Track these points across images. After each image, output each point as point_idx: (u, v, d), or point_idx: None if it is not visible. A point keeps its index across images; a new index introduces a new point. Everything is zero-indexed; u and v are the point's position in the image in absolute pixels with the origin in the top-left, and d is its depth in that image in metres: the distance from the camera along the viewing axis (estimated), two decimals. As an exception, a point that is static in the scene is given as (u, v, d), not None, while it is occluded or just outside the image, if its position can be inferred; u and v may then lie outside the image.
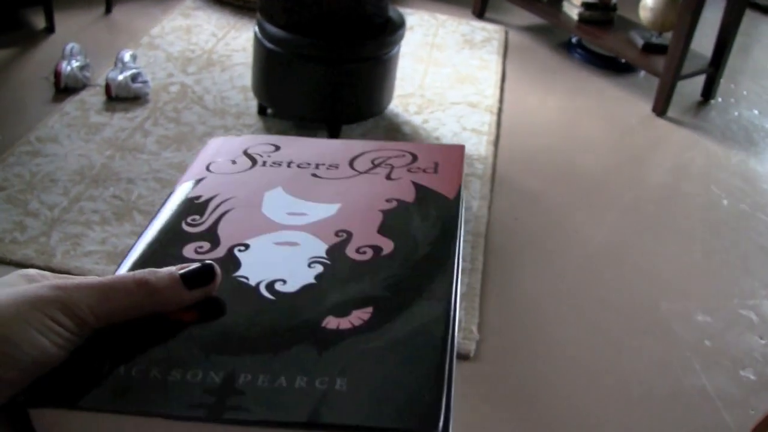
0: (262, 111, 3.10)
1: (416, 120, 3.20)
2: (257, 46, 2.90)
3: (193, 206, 0.64)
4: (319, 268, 0.55)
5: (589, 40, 3.96)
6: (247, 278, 0.55)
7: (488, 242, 2.57)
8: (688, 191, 3.05)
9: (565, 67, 3.95)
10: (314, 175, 0.69)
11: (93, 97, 3.13)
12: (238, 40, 3.72)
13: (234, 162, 0.72)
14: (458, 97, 3.44)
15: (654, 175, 3.16)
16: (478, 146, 3.07)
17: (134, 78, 3.13)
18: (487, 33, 4.17)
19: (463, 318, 2.22)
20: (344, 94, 2.89)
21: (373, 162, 0.72)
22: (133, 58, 3.29)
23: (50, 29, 3.65)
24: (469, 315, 2.23)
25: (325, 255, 0.57)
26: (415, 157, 0.73)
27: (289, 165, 0.71)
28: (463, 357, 2.12)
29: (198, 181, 0.68)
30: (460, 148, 0.76)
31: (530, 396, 2.06)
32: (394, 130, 3.10)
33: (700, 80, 3.75)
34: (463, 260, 2.44)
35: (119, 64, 3.22)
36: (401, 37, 2.95)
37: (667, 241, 2.72)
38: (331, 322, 0.50)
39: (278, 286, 0.54)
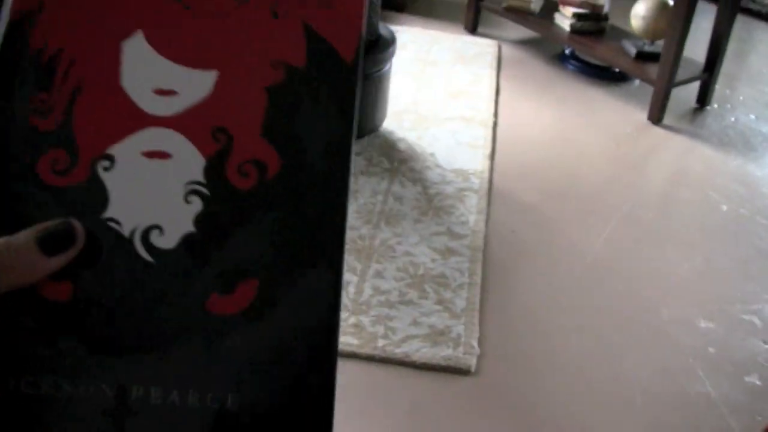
0: (256, 133, 3.09)
1: (411, 136, 3.20)
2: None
3: (37, 71, 0.49)
4: (198, 205, 0.47)
5: (582, 51, 3.95)
6: (119, 223, 0.46)
7: (486, 256, 2.55)
8: (686, 198, 3.03)
9: (560, 79, 3.94)
10: (186, 4, 0.52)
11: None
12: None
13: None
14: (453, 113, 3.44)
15: (652, 182, 3.15)
16: (473, 161, 3.06)
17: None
18: (479, 48, 4.17)
19: (463, 333, 2.20)
20: (337, 113, 2.88)
21: None
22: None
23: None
24: (468, 330, 2.22)
25: (203, 178, 0.47)
26: None
27: None
28: (464, 372, 2.10)
29: (30, 15, 0.50)
30: None
31: (532, 409, 2.04)
32: (390, 147, 3.09)
33: (695, 87, 3.75)
34: (461, 274, 2.42)
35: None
36: (392, 54, 2.95)
37: (667, 249, 2.70)
38: (217, 303, 0.45)
39: (154, 239, 0.46)
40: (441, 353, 2.13)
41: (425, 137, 3.21)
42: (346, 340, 2.14)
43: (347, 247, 2.41)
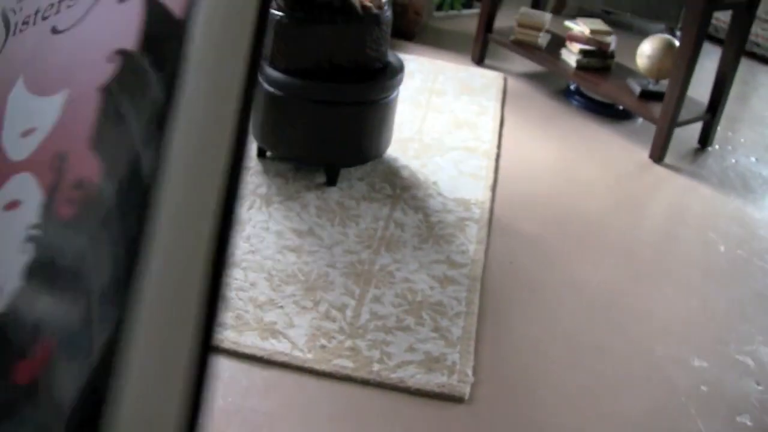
0: (261, 154, 3.11)
1: (414, 164, 3.22)
2: (257, 88, 2.93)
3: None
4: (30, 252, 0.44)
5: (587, 87, 3.99)
6: None
7: (484, 286, 2.57)
8: (685, 237, 3.05)
9: (563, 114, 3.97)
10: (54, 30, 0.52)
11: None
12: (238, 84, 3.75)
13: None
14: (456, 142, 3.46)
15: (651, 220, 3.17)
16: (475, 191, 3.08)
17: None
18: (486, 79, 4.21)
19: (458, 361, 2.22)
20: (342, 138, 2.91)
21: None
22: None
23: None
24: (464, 358, 2.23)
25: (39, 218, 0.46)
26: None
27: (34, 20, 0.54)
28: (458, 400, 2.11)
29: None
30: None
31: (525, 440, 2.05)
32: (393, 174, 3.11)
33: (697, 127, 3.78)
34: (459, 303, 2.44)
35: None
36: (400, 82, 2.98)
37: (664, 286, 2.72)
38: (22, 371, 0.41)
39: None
40: (436, 380, 2.14)
41: (429, 165, 3.23)
42: (341, 363, 2.16)
43: (346, 270, 2.43)
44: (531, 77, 4.36)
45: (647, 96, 3.72)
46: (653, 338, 2.46)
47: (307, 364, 2.15)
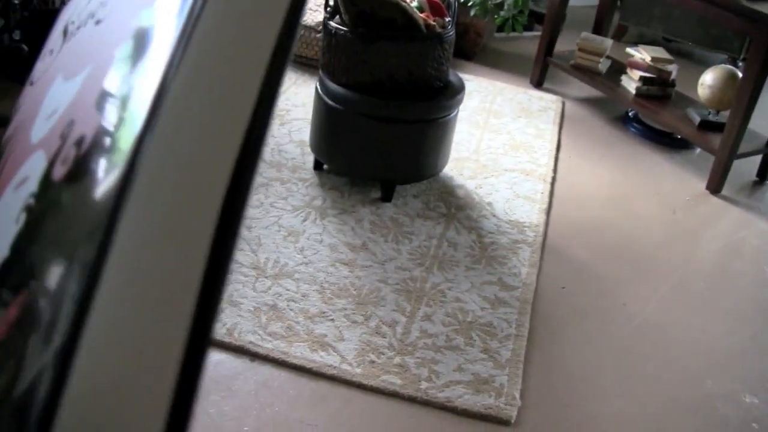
0: (318, 166, 3.14)
1: (470, 184, 3.23)
2: (317, 101, 2.96)
3: None
4: (21, 220, 0.44)
5: (646, 115, 3.97)
6: None
7: (535, 309, 2.57)
8: (739, 270, 3.02)
9: (621, 141, 3.96)
10: (98, 21, 0.53)
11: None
12: (298, 96, 3.79)
13: (51, 52, 0.59)
14: (512, 164, 3.46)
15: (705, 252, 3.14)
16: (530, 214, 3.08)
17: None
18: (544, 102, 4.21)
19: (506, 383, 2.22)
20: (400, 154, 2.93)
21: None
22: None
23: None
24: (512, 381, 2.23)
25: (35, 188, 0.45)
26: None
27: (86, 21, 0.55)
28: (504, 422, 2.11)
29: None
30: None
31: (570, 467, 2.04)
32: (448, 193, 3.12)
33: (757, 160, 3.74)
34: (509, 325, 2.44)
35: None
36: (460, 102, 2.99)
37: (716, 320, 2.69)
38: None
39: None
40: (483, 401, 2.14)
41: (484, 186, 3.24)
42: (389, 379, 2.17)
43: (397, 287, 2.44)
44: (589, 102, 4.35)
45: (707, 126, 3.69)
46: (703, 371, 2.44)
47: (355, 379, 2.16)
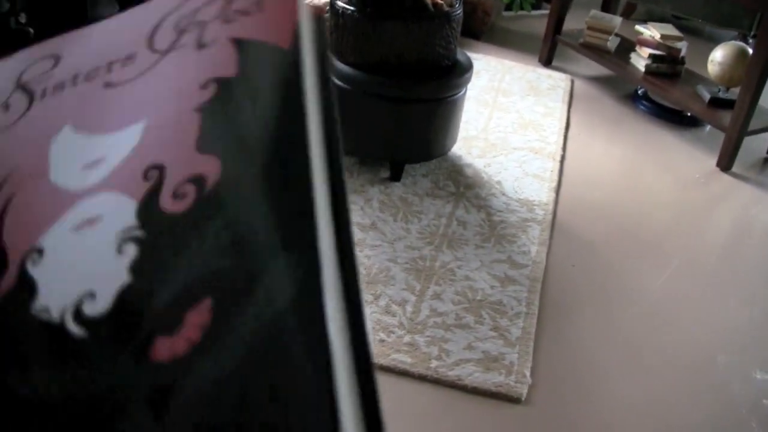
0: (326, 147, 3.13)
1: (479, 163, 3.22)
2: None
3: None
4: (132, 251, 0.42)
5: (656, 93, 3.95)
6: (48, 309, 0.41)
7: (545, 288, 2.56)
8: (750, 248, 3.01)
9: (630, 119, 3.94)
10: (108, 84, 0.52)
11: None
12: (306, 77, 3.77)
13: (6, 107, 0.54)
14: (521, 143, 3.45)
15: (716, 229, 3.13)
16: (539, 192, 3.07)
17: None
18: (553, 81, 4.19)
19: (516, 361, 2.22)
20: (409, 134, 2.92)
21: (177, 28, 0.53)
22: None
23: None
24: (522, 358, 2.23)
25: (136, 222, 0.43)
26: None
27: (74, 82, 0.53)
28: (515, 400, 2.11)
29: None
30: None
31: (581, 444, 2.04)
32: (457, 172, 3.12)
33: (767, 137, 3.72)
34: (519, 303, 2.44)
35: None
36: (468, 80, 2.98)
37: (727, 297, 2.68)
38: (161, 348, 0.37)
39: (87, 308, 0.40)
40: (493, 379, 2.14)
41: (493, 165, 3.23)
42: (399, 357, 2.17)
43: (407, 266, 2.44)
44: (598, 80, 4.33)
45: (717, 103, 3.67)
46: (715, 348, 2.43)
47: (365, 357, 2.16)
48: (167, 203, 0.43)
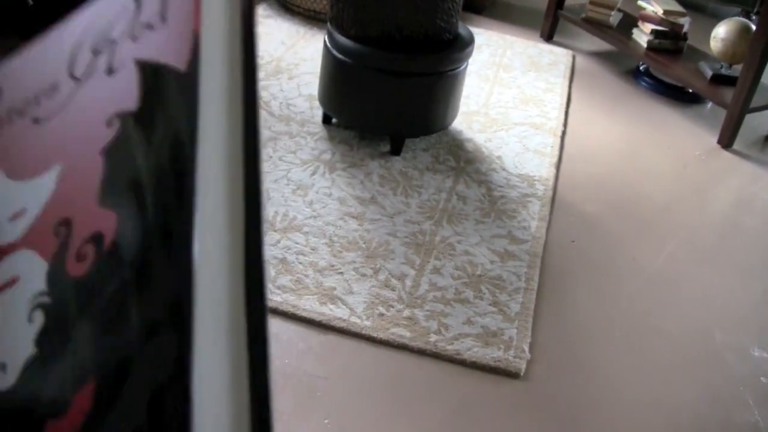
0: (326, 120, 3.13)
1: (479, 138, 3.21)
2: (326, 55, 2.94)
3: None
4: (40, 319, 0.42)
5: (658, 69, 3.93)
6: None
7: (544, 263, 2.56)
8: (749, 225, 3.01)
9: (631, 95, 3.93)
10: (35, 120, 0.51)
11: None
12: (306, 50, 3.76)
13: None
14: (522, 118, 3.44)
15: (716, 206, 3.13)
16: (539, 168, 3.06)
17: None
18: (554, 56, 4.17)
19: (515, 336, 2.22)
20: (409, 108, 2.91)
21: (93, 49, 0.51)
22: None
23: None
24: (521, 334, 2.23)
25: (46, 287, 0.43)
26: (138, 3, 0.50)
27: (10, 118, 0.53)
28: (513, 375, 2.11)
29: None
30: None
31: (576, 420, 2.05)
32: (457, 147, 3.11)
33: (769, 115, 3.71)
34: (518, 279, 2.44)
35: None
36: (469, 55, 2.97)
37: (726, 274, 2.68)
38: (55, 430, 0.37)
39: None
40: (492, 354, 2.15)
41: (493, 140, 3.22)
42: (398, 331, 2.17)
43: (407, 240, 2.44)
44: (600, 56, 4.31)
45: (719, 80, 3.66)
46: (713, 325, 2.44)
47: (364, 331, 2.16)
48: (71, 266, 0.43)
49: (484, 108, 3.48)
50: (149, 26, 0.49)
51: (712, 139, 3.57)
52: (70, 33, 0.53)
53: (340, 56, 2.85)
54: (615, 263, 2.65)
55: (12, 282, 0.45)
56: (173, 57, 0.47)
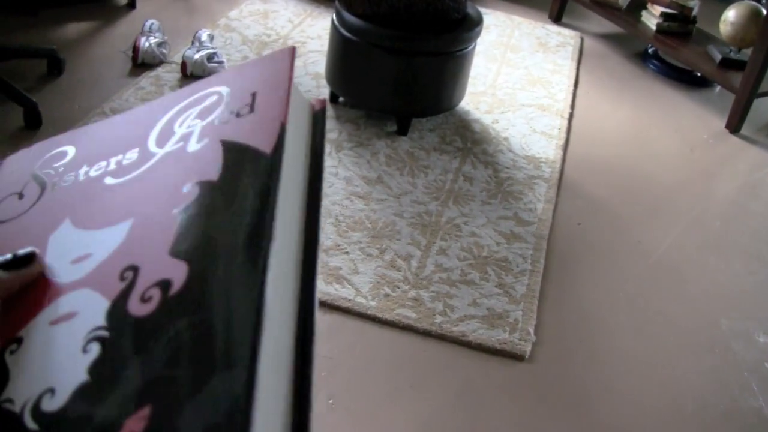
0: (333, 99, 3.11)
1: (486, 119, 3.20)
2: (334, 33, 2.92)
3: None
4: (95, 350, 0.44)
5: (666, 52, 3.91)
6: (12, 401, 0.44)
7: (550, 245, 2.55)
8: (756, 210, 3.00)
9: (639, 77, 3.91)
10: (109, 177, 0.56)
11: (168, 73, 3.17)
12: (313, 28, 3.74)
13: (21, 196, 0.59)
14: (529, 99, 3.43)
15: (723, 191, 3.12)
16: (546, 150, 3.05)
17: (210, 58, 3.17)
18: (562, 38, 4.15)
19: (521, 318, 2.21)
20: (417, 87, 2.90)
21: (178, 125, 0.59)
22: (210, 38, 3.33)
23: (132, 5, 3.71)
24: (526, 316, 2.23)
25: (105, 322, 0.46)
26: (227, 95, 0.59)
27: (80, 175, 0.58)
28: (518, 357, 2.11)
29: None
30: (287, 55, 0.59)
31: (581, 403, 2.04)
32: (464, 128, 3.09)
33: (777, 99, 3.69)
34: (524, 261, 2.43)
35: (196, 43, 3.26)
36: (478, 35, 2.95)
37: (732, 259, 2.68)
38: None
39: (45, 404, 0.43)
40: (497, 336, 2.14)
41: (501, 121, 3.20)
42: (404, 312, 2.17)
43: (413, 221, 2.43)
44: (608, 38, 4.29)
45: (728, 64, 3.64)
46: (718, 310, 2.43)
47: (369, 312, 2.16)
48: (134, 307, 0.45)
49: (492, 89, 3.46)
50: (238, 114, 0.56)
51: (719, 123, 3.55)
52: (156, 109, 0.61)
53: (347, 35, 2.84)
54: (621, 246, 2.64)
55: (69, 316, 0.47)
56: (259, 141, 0.53)
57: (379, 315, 2.15)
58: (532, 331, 2.19)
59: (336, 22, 2.90)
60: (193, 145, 0.55)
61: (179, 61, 3.20)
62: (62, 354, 0.45)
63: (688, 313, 2.40)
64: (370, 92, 2.93)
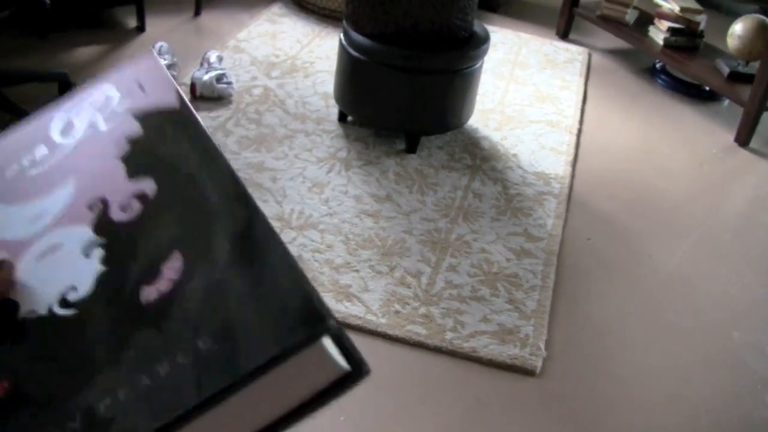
0: (342, 118, 3.13)
1: (495, 136, 3.21)
2: (341, 53, 2.94)
3: None
4: (99, 252, 0.49)
5: (674, 66, 3.92)
6: (34, 310, 0.48)
7: (560, 261, 2.55)
8: (766, 223, 2.99)
9: (648, 92, 3.91)
10: (32, 170, 0.59)
11: (178, 95, 3.19)
12: (321, 48, 3.77)
13: None
14: (538, 116, 3.44)
15: (732, 205, 3.12)
16: (555, 165, 3.06)
17: (219, 79, 3.19)
18: (570, 54, 4.16)
19: (531, 334, 2.21)
20: (425, 106, 2.91)
21: (78, 120, 0.63)
22: (219, 59, 3.35)
23: (141, 28, 3.74)
24: (537, 331, 2.23)
25: (94, 236, 0.50)
26: (116, 89, 0.63)
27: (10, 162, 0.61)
28: (529, 373, 2.11)
29: None
30: (149, 54, 0.67)
31: (593, 418, 2.04)
32: (473, 145, 3.10)
33: (786, 112, 3.69)
34: (534, 276, 2.43)
35: (205, 64, 3.29)
36: (485, 52, 2.96)
37: (743, 272, 2.67)
38: (149, 293, 0.45)
39: (71, 296, 0.47)
40: (508, 352, 2.14)
41: (509, 138, 3.21)
42: (414, 329, 2.17)
43: (422, 238, 2.44)
44: (616, 54, 4.30)
45: (736, 78, 3.64)
46: (730, 323, 2.43)
47: (380, 329, 2.16)
48: (117, 215, 0.50)
49: (500, 106, 3.47)
50: (132, 96, 0.61)
51: (728, 136, 3.55)
52: (51, 110, 0.66)
53: (355, 54, 2.85)
54: (631, 261, 2.64)
55: (53, 249, 0.51)
56: (163, 102, 0.60)
57: (390, 332, 2.16)
58: (542, 346, 2.19)
59: (344, 42, 2.92)
60: (104, 126, 0.60)
61: (188, 82, 3.22)
62: (64, 266, 0.49)
63: (699, 326, 2.40)
64: (379, 111, 2.95)
